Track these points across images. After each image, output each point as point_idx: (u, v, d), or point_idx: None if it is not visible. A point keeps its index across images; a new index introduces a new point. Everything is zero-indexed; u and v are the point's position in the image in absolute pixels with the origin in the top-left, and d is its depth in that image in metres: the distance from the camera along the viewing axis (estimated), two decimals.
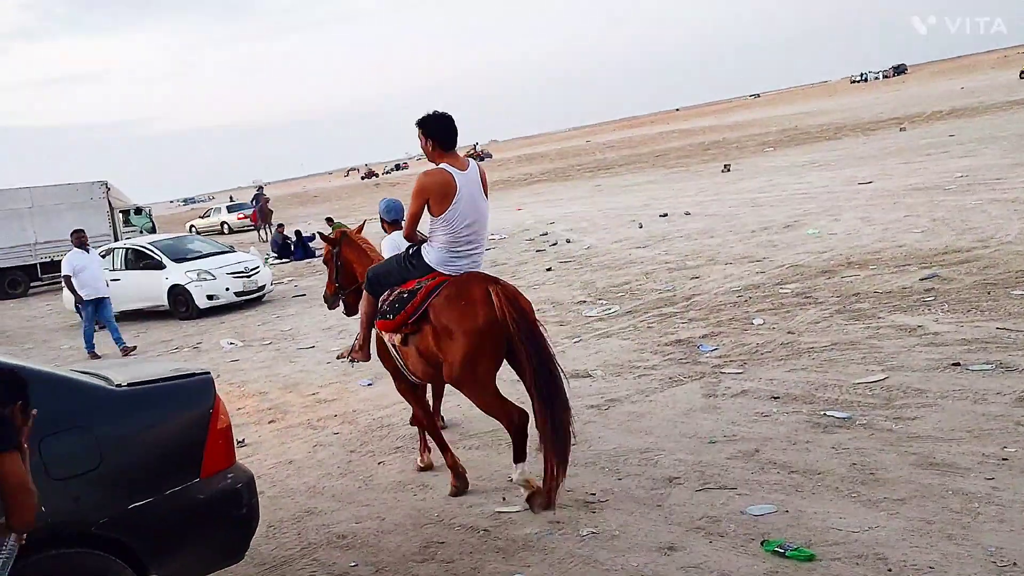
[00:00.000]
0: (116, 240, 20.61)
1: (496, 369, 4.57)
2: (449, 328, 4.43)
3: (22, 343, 14.21)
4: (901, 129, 30.26)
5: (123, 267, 14.65)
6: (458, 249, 4.60)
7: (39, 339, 14.52)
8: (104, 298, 11.59)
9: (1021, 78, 48.38)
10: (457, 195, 4.46)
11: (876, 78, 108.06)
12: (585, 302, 10.25)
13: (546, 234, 17.93)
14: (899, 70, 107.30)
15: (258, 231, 31.22)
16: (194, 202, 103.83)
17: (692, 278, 10.64)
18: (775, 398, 5.77)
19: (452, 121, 4.58)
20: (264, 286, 14.77)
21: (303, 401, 7.79)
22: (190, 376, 3.70)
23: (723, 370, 6.59)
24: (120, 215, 25.37)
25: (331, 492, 5.40)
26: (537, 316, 4.59)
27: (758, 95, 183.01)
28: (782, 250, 11.55)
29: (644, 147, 51.52)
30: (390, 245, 5.85)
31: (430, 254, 4.64)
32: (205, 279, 13.98)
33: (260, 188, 50.70)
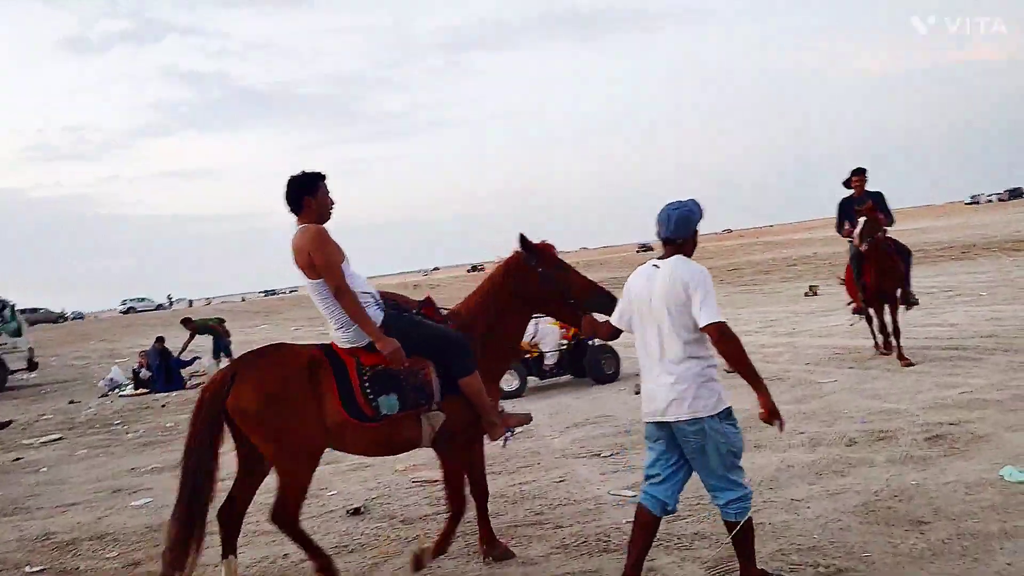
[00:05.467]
0: None
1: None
2: None
3: None
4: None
5: None
6: None
7: None
8: None
9: None
10: None
11: (990, 200, 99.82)
12: None
13: None
14: (1015, 193, 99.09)
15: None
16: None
17: None
18: None
19: (288, 183, 4.46)
20: None
21: None
22: None
23: None
24: None
25: None
26: None
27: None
28: None
29: (720, 258, 45.16)
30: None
31: None
32: None
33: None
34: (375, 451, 4.76)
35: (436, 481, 6.77)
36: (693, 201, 4.05)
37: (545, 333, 11.39)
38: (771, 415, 3.85)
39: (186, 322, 18.32)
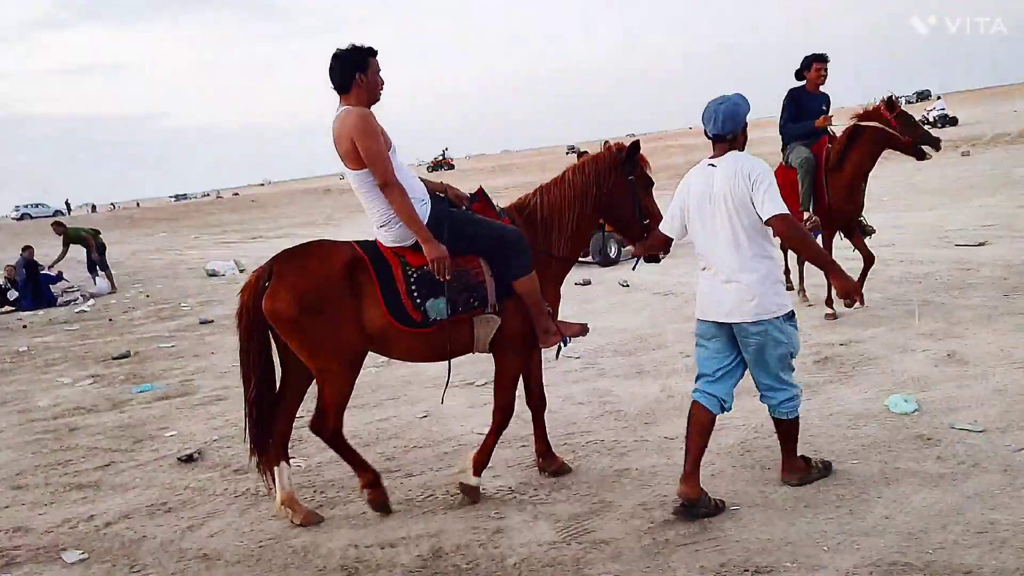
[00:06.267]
0: None
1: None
2: None
3: None
4: (963, 154, 24.00)
5: None
6: None
7: None
8: None
9: None
10: None
11: (909, 101, 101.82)
12: None
13: None
14: (922, 95, 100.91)
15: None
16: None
17: None
18: None
19: (334, 58, 3.96)
20: None
21: None
22: None
23: None
24: None
25: None
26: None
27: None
28: None
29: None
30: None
31: None
32: None
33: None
34: (423, 357, 4.37)
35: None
36: (739, 95, 3.93)
37: None
38: (846, 294, 3.83)
39: (57, 226, 16.84)
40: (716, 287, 3.88)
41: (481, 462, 4.33)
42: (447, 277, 3.96)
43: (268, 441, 4.21)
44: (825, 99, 7.79)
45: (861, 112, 7.50)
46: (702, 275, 4.00)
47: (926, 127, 7.14)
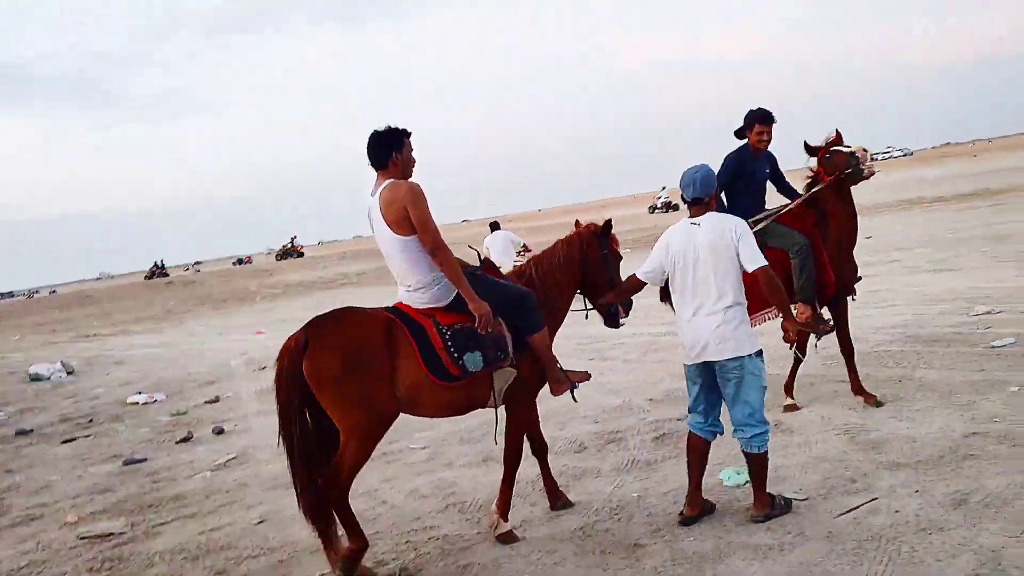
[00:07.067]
0: None
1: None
2: None
3: None
4: None
5: None
6: None
7: None
8: None
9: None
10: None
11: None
12: None
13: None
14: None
15: None
16: None
17: None
18: None
19: (374, 137, 4.42)
20: None
21: None
22: None
23: None
24: None
25: None
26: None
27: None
28: None
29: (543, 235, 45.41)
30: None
31: None
32: None
33: None
34: (449, 412, 4.67)
35: (110, 535, 5.71)
36: (706, 165, 4.58)
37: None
38: (794, 328, 4.85)
39: None
40: (699, 332, 4.41)
41: (505, 508, 4.78)
42: (490, 330, 4.36)
43: (321, 508, 4.28)
44: (769, 161, 6.63)
45: (808, 178, 6.63)
46: (686, 324, 4.50)
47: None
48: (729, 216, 4.52)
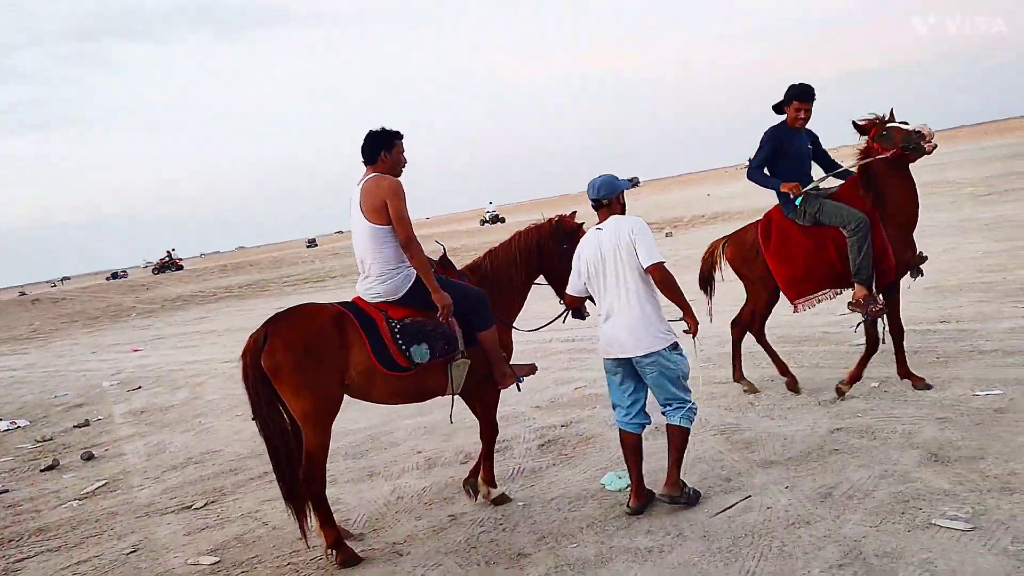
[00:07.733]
0: None
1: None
2: None
3: None
4: (667, 235, 26.35)
5: None
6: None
7: None
8: None
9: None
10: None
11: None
12: None
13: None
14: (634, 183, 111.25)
15: None
16: None
17: None
18: None
19: (368, 136, 4.78)
20: None
21: None
22: None
23: None
24: None
25: None
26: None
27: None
28: None
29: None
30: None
31: None
32: None
33: None
34: (403, 399, 4.96)
35: None
36: (608, 173, 4.86)
37: None
38: (695, 328, 4.72)
39: None
40: (615, 330, 4.62)
41: (490, 477, 5.22)
42: (450, 321, 4.70)
43: (297, 489, 4.53)
44: (810, 138, 6.53)
45: (858, 153, 6.27)
46: (603, 323, 4.71)
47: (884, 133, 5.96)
48: (628, 217, 4.76)
